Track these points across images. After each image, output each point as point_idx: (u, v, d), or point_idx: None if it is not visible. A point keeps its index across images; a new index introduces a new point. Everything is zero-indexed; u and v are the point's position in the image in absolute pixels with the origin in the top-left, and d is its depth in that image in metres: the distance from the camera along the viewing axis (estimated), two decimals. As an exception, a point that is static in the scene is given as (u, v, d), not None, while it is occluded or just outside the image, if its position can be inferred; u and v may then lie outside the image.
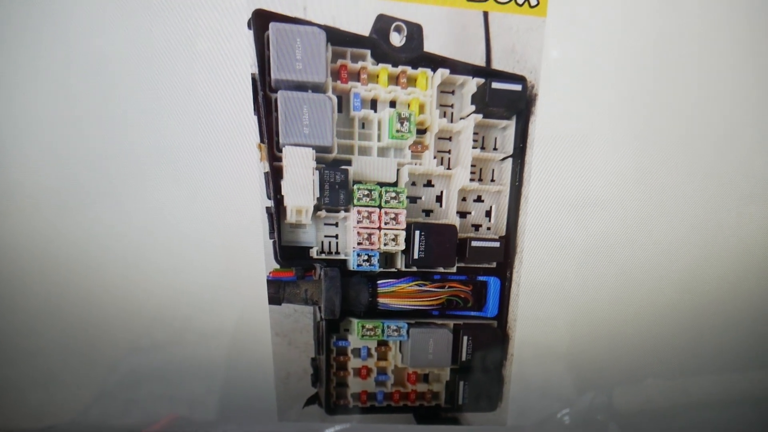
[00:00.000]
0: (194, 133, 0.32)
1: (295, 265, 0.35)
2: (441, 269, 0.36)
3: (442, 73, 0.32)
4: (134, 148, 0.32)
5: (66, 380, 0.38)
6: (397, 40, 0.32)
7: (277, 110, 0.31)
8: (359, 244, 0.34)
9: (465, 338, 0.37)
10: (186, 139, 0.32)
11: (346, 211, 0.34)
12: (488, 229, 0.36)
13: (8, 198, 0.33)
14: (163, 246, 0.34)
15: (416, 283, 0.36)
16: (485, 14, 0.31)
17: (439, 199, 0.36)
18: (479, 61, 0.32)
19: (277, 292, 0.35)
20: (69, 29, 0.30)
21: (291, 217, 0.33)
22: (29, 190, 0.33)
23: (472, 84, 0.33)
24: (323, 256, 0.35)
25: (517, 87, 0.32)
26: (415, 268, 0.35)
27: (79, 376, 0.38)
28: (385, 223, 0.34)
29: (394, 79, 0.33)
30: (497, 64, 0.32)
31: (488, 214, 0.36)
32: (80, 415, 0.39)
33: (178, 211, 0.34)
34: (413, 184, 0.35)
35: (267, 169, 0.33)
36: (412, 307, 0.36)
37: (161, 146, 0.32)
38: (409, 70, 0.32)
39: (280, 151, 0.32)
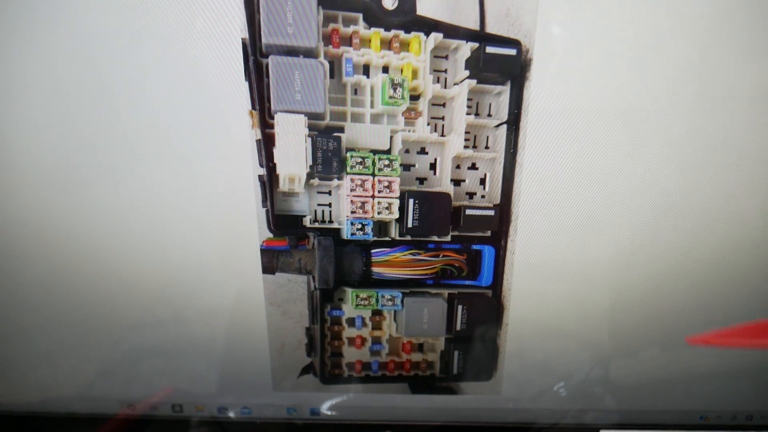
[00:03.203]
0: (185, 101, 0.32)
1: (288, 234, 0.35)
2: (435, 238, 0.36)
3: (436, 37, 0.32)
4: (129, 121, 0.32)
5: (66, 356, 0.38)
6: (389, 3, 0.31)
7: (268, 76, 0.31)
8: (353, 212, 0.34)
9: (459, 307, 0.37)
10: (178, 110, 0.32)
11: (339, 179, 0.33)
12: (483, 197, 0.36)
13: (7, 179, 0.33)
14: (159, 219, 0.34)
15: (410, 252, 0.36)
16: (479, -24, 0.31)
17: (432, 166, 0.35)
18: (473, 24, 0.32)
19: (271, 262, 0.35)
20: (62, 10, 0.30)
21: (284, 186, 0.33)
22: (27, 170, 0.33)
23: (466, 48, 0.32)
24: (316, 224, 0.35)
25: (512, 51, 0.32)
26: (409, 237, 0.35)
27: (77, 353, 0.38)
28: (379, 192, 0.34)
29: (386, 44, 0.32)
30: (491, 28, 0.32)
31: (483, 181, 0.36)
32: (83, 387, 0.39)
33: (172, 183, 0.33)
34: (407, 151, 0.35)
35: (259, 136, 0.32)
36: (407, 276, 0.36)
37: (155, 119, 0.32)
38: (401, 34, 0.32)
39: (272, 117, 0.31)
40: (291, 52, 0.31)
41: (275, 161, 0.32)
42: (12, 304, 0.36)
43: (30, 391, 0.40)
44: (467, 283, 0.37)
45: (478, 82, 0.33)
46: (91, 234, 0.34)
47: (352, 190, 0.33)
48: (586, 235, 0.36)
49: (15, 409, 0.40)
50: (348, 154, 0.33)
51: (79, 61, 0.31)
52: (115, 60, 0.31)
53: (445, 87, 0.34)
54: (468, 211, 0.35)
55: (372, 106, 0.33)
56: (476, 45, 0.32)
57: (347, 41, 0.32)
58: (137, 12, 0.30)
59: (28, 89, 0.31)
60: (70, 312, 0.37)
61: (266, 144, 0.32)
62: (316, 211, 0.35)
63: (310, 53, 0.31)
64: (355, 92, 0.33)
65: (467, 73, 0.33)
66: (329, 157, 0.32)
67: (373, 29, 0.31)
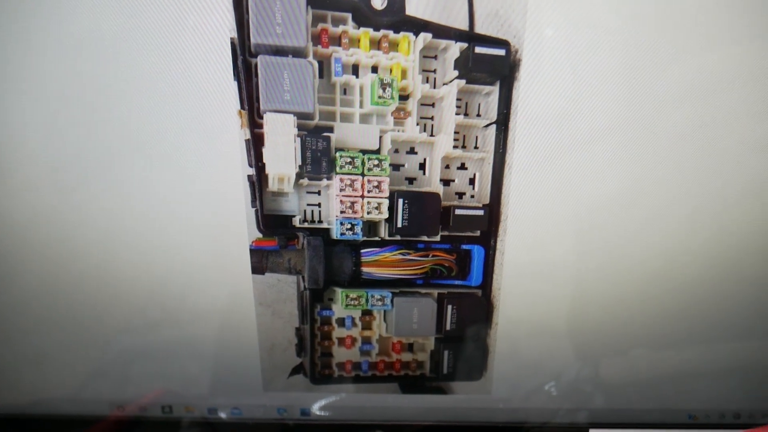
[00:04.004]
0: (174, 101, 0.32)
1: (277, 234, 0.35)
2: (425, 238, 0.36)
3: (425, 37, 0.32)
4: (116, 124, 0.32)
5: (55, 358, 0.38)
6: (378, 2, 0.31)
7: (257, 75, 0.31)
8: (342, 212, 0.34)
9: (449, 307, 0.37)
10: (167, 110, 0.32)
11: (329, 179, 0.33)
12: (472, 197, 0.36)
13: (1, 180, 0.32)
14: (148, 219, 0.34)
15: (400, 251, 0.36)
16: (468, -24, 0.31)
17: (422, 166, 0.35)
18: (462, 25, 0.32)
19: (260, 262, 0.35)
20: (55, 12, 0.30)
21: (273, 185, 0.33)
22: (22, 171, 0.32)
23: (455, 49, 0.32)
24: (306, 224, 0.35)
25: (501, 52, 0.32)
26: (398, 237, 0.35)
27: (66, 354, 0.38)
28: (368, 191, 0.34)
29: (375, 44, 0.32)
30: (480, 28, 0.32)
31: (472, 181, 0.36)
32: (73, 390, 0.39)
33: (161, 184, 0.33)
34: (396, 151, 0.35)
35: (248, 136, 0.32)
36: (396, 276, 0.36)
37: (144, 120, 0.32)
38: (390, 34, 0.32)
39: (261, 117, 0.31)
40: (280, 51, 0.31)
41: (264, 161, 0.32)
42: (1, 305, 0.36)
43: (19, 392, 0.39)
44: (457, 282, 0.37)
45: (467, 82, 0.33)
46: (81, 235, 0.34)
47: (341, 190, 0.33)
48: (576, 234, 0.36)
49: (3, 411, 0.40)
50: (337, 154, 0.33)
51: (69, 62, 0.30)
52: (104, 61, 0.30)
53: (435, 87, 0.34)
54: (457, 211, 0.35)
55: (361, 106, 0.33)
56: (465, 45, 0.32)
57: (336, 41, 0.32)
58: (128, 13, 0.30)
59: (19, 91, 0.31)
60: (59, 313, 0.37)
61: (255, 144, 0.32)
62: (305, 211, 0.35)
63: (299, 53, 0.31)
64: (345, 92, 0.33)
65: (456, 73, 0.33)
66: (318, 157, 0.32)
67: (362, 29, 0.31)
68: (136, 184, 0.33)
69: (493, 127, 0.34)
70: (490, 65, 0.32)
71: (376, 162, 0.33)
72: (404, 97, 0.33)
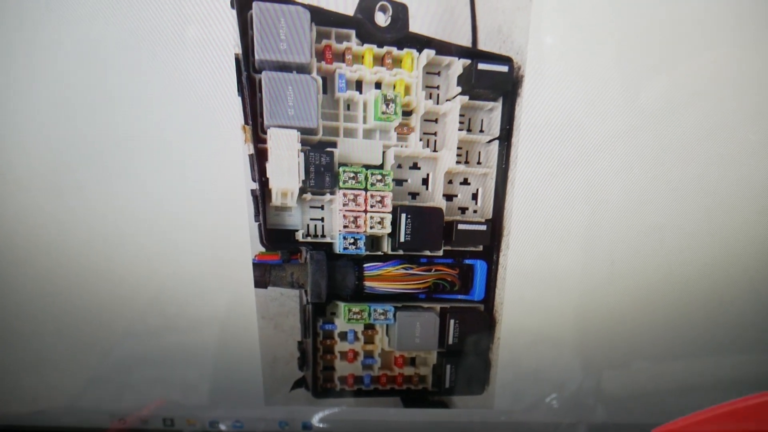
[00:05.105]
0: (180, 116, 0.32)
1: (280, 248, 0.35)
2: (427, 252, 0.36)
3: (428, 54, 0.32)
4: (123, 133, 0.32)
5: (55, 367, 0.38)
6: (382, 20, 0.31)
7: (261, 91, 0.31)
8: (345, 227, 0.34)
9: (452, 322, 0.37)
10: (172, 123, 0.32)
11: (332, 193, 0.34)
12: (475, 212, 0.36)
13: (2, 181, 0.32)
14: (151, 232, 0.34)
15: (403, 266, 0.36)
16: (471, -7, 0.31)
17: (425, 181, 0.35)
18: (465, 41, 0.32)
19: (263, 276, 0.35)
20: (60, 16, 0.30)
21: (276, 200, 0.33)
22: (20, 175, 0.32)
23: (458, 65, 0.32)
24: (309, 239, 0.35)
25: (504, 68, 0.32)
26: (401, 252, 0.35)
27: (67, 364, 0.38)
28: (371, 206, 0.34)
29: (379, 60, 0.33)
30: (483, 45, 0.32)
31: (475, 197, 0.36)
32: (72, 399, 0.39)
33: (165, 195, 0.33)
34: (399, 166, 0.35)
35: (251, 151, 0.32)
36: (399, 291, 0.36)
37: (149, 132, 0.32)
38: (394, 50, 0.32)
39: (265, 132, 0.31)
40: (284, 67, 0.31)
41: (268, 176, 0.32)
42: (0, 311, 0.36)
43: (18, 403, 0.39)
44: (459, 297, 0.37)
45: (470, 99, 0.33)
46: (83, 245, 0.34)
47: (344, 205, 0.33)
48: (578, 250, 0.36)
49: (1, 422, 0.40)
50: (340, 169, 0.33)
51: (76, 70, 0.30)
52: (112, 72, 0.31)
53: (438, 103, 0.34)
54: (460, 226, 0.35)
55: (365, 122, 0.33)
56: (468, 61, 0.32)
57: (340, 57, 0.32)
58: (135, 25, 0.30)
59: (22, 98, 0.31)
60: (59, 321, 0.37)
61: (259, 159, 0.32)
62: (308, 225, 0.35)
63: (303, 69, 0.31)
64: (348, 108, 0.33)
65: (459, 89, 0.33)
66: (322, 171, 0.33)
67: (365, 45, 0.32)
68: (139, 196, 0.33)
69: (496, 142, 0.34)
70: (493, 81, 0.32)
71: (379, 177, 0.33)
72: (407, 113, 0.34)
